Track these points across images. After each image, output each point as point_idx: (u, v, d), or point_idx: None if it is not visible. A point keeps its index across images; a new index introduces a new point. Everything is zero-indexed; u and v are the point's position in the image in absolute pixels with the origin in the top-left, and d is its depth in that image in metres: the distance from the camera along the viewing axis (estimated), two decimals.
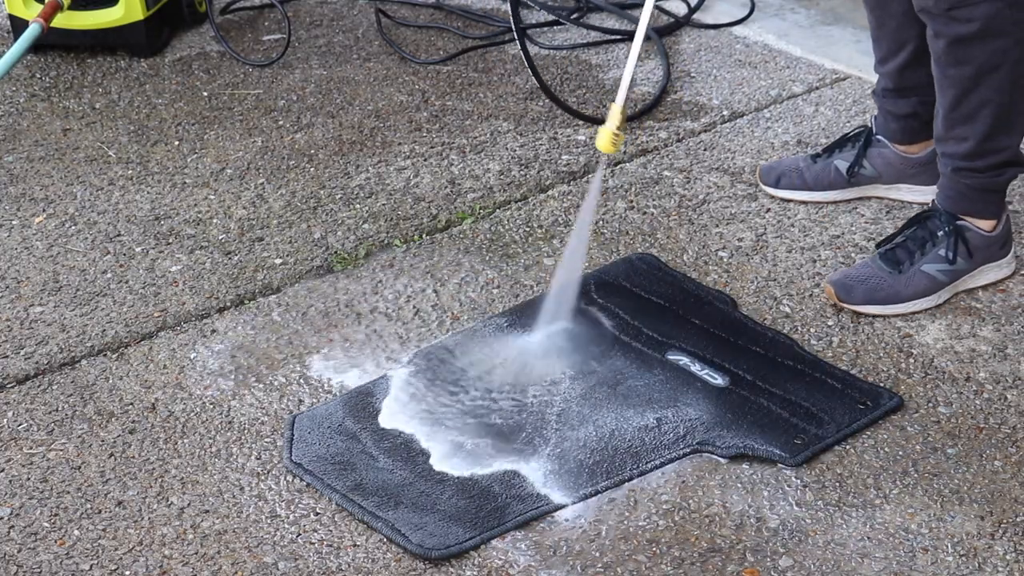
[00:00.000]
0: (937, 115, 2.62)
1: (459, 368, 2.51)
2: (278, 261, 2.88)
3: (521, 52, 3.32)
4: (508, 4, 3.92)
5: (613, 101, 2.56)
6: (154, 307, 2.74)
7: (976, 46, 2.48)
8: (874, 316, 2.64)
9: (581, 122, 3.34)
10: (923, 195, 2.91)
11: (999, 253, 2.70)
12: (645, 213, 2.99)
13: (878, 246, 2.74)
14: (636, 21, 3.79)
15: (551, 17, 3.83)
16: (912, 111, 2.85)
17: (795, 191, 2.98)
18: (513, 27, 3.33)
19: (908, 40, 2.75)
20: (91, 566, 2.16)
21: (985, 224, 2.66)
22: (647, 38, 3.72)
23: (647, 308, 2.67)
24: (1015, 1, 2.46)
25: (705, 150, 3.22)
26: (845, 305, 2.64)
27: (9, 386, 2.54)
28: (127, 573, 2.14)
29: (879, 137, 2.93)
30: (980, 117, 2.55)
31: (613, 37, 3.74)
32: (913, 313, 2.64)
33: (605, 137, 2.55)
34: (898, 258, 2.66)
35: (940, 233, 2.66)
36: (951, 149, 2.61)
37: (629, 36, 3.73)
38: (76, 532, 2.22)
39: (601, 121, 3.29)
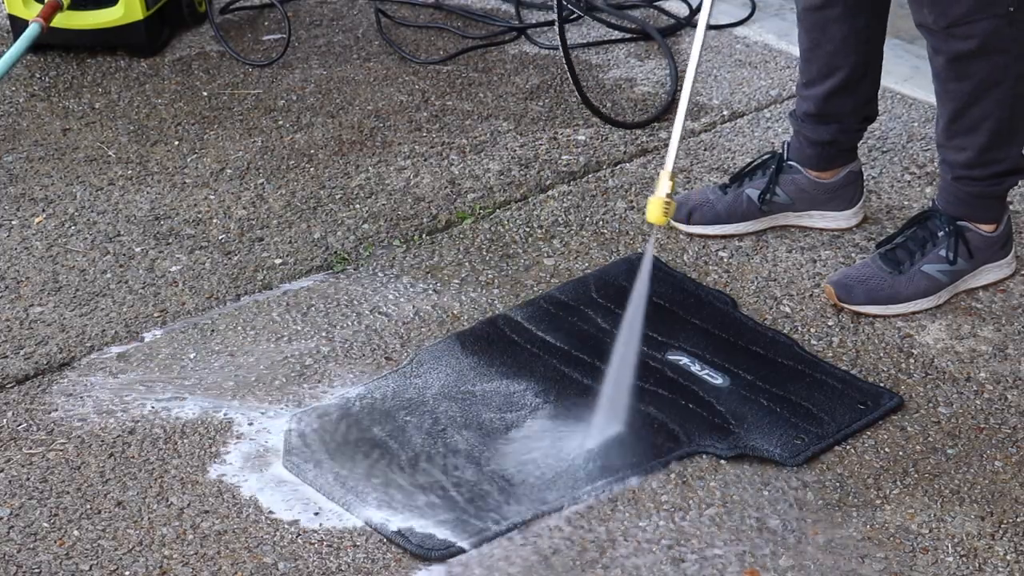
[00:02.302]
0: (937, 124, 2.61)
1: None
2: (278, 261, 2.88)
3: (563, 56, 3.25)
4: (509, 4, 3.92)
5: (662, 167, 2.38)
6: (154, 307, 2.74)
7: (976, 62, 2.47)
8: (874, 316, 2.64)
9: (581, 122, 3.34)
10: (835, 222, 2.87)
11: (999, 253, 2.70)
12: (645, 213, 2.98)
13: (878, 246, 2.74)
14: (637, 21, 3.79)
15: (552, 16, 3.83)
16: (831, 139, 2.79)
17: (709, 225, 2.87)
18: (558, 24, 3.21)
19: (841, 67, 2.70)
20: (91, 566, 2.15)
21: (986, 226, 2.66)
22: (649, 38, 3.72)
23: (647, 308, 2.67)
24: (1014, 19, 2.45)
25: (705, 150, 3.22)
26: (845, 306, 2.64)
27: (9, 386, 2.54)
28: (127, 573, 2.14)
29: (791, 163, 2.85)
30: (981, 130, 2.54)
31: (615, 37, 3.74)
32: (913, 313, 2.64)
33: (656, 207, 2.36)
34: (898, 258, 2.66)
35: (940, 233, 2.66)
36: (951, 157, 2.60)
37: (637, 34, 3.72)
38: (76, 532, 2.22)
39: (613, 122, 3.30)
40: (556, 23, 3.23)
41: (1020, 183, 2.99)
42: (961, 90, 2.51)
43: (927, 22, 2.47)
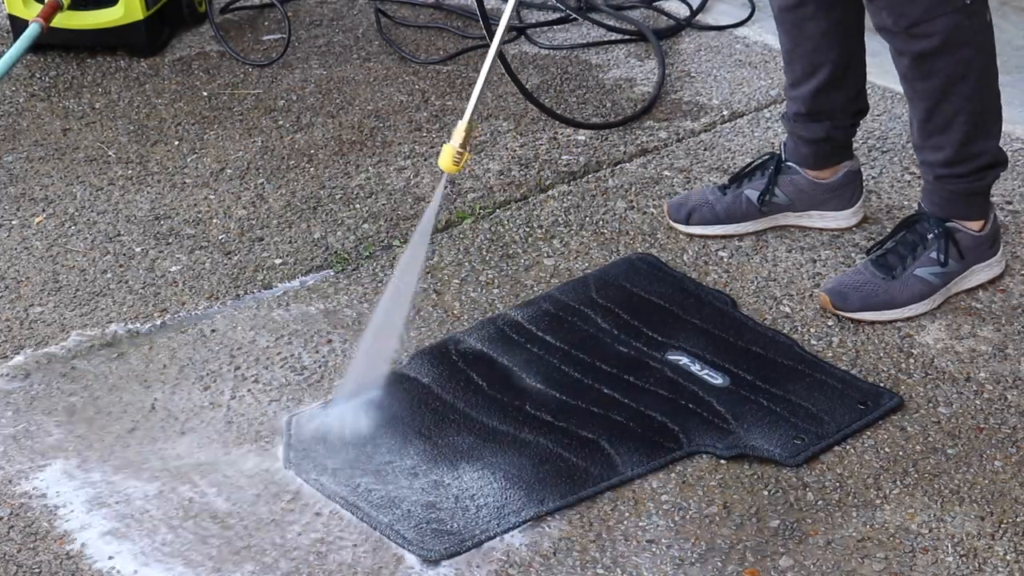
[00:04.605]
0: (912, 125, 2.62)
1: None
2: (278, 261, 2.88)
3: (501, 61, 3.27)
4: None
5: (461, 118, 2.42)
6: (154, 307, 2.74)
7: (940, 59, 2.47)
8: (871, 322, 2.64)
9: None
10: (835, 221, 2.88)
11: (988, 252, 2.70)
12: (645, 213, 2.99)
13: (868, 252, 2.74)
14: (635, 22, 3.79)
15: (553, 16, 3.83)
16: (825, 135, 2.79)
17: (708, 226, 2.87)
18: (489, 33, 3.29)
19: (823, 63, 2.70)
20: (91, 566, 2.15)
21: (974, 224, 2.66)
22: (646, 39, 3.72)
23: (647, 308, 2.67)
24: (973, 11, 2.45)
25: (705, 150, 3.22)
26: (841, 313, 2.63)
27: (9, 386, 2.54)
28: None
29: (789, 163, 2.86)
30: (955, 126, 2.54)
31: (615, 37, 3.74)
32: (909, 318, 2.64)
33: (447, 155, 2.40)
34: (890, 263, 2.66)
35: (930, 236, 2.66)
36: (930, 157, 2.61)
37: (635, 36, 3.73)
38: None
39: (582, 124, 3.31)
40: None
41: (1017, 182, 2.99)
42: (930, 88, 2.52)
43: (887, 25, 2.48)
